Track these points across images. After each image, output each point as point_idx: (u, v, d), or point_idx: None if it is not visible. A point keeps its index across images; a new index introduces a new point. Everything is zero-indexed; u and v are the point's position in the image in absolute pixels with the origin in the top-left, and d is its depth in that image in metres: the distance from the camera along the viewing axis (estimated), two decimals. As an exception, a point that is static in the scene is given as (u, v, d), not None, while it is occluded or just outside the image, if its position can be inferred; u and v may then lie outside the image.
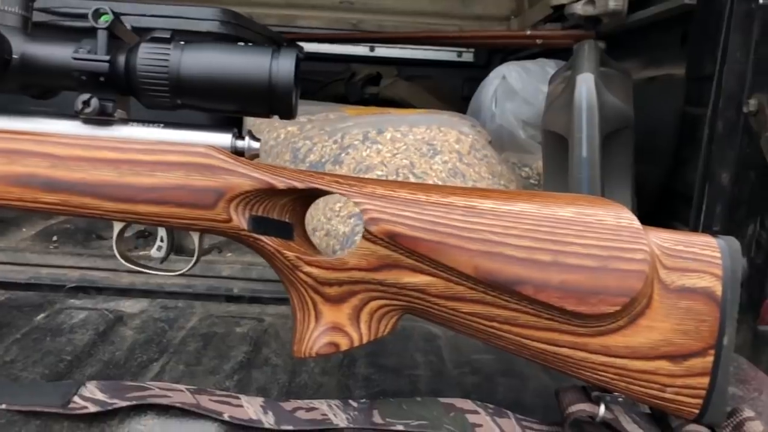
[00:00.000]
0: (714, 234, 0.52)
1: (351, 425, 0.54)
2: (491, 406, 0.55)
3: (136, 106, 0.54)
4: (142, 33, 0.52)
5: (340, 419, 0.54)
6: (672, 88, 0.99)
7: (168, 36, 0.50)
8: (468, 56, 2.21)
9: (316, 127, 1.08)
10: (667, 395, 0.49)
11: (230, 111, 0.52)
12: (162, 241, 0.56)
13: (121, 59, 0.50)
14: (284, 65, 0.49)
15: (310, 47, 1.86)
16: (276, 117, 0.52)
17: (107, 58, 0.49)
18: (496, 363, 0.67)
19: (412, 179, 0.94)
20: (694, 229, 0.81)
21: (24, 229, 1.03)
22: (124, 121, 0.53)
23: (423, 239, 0.49)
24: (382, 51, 2.18)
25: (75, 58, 0.49)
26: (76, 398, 0.54)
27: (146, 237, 0.98)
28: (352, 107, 1.29)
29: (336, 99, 1.73)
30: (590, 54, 0.98)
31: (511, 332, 0.50)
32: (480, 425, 0.53)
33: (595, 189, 0.89)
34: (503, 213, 0.50)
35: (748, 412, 0.51)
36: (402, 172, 0.95)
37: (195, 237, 0.54)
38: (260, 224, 0.52)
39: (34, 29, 0.52)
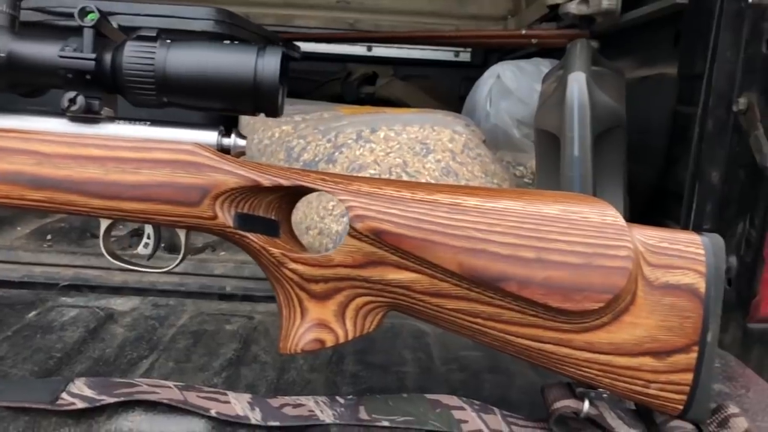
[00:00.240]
0: (699, 231, 0.52)
1: (337, 421, 0.54)
2: (477, 402, 0.55)
3: (123, 105, 0.54)
4: (132, 32, 0.52)
5: (326, 415, 0.55)
6: (664, 87, 0.99)
7: (154, 34, 0.50)
8: (465, 56, 2.21)
9: (310, 126, 1.09)
10: (651, 391, 0.50)
11: (216, 108, 0.53)
12: (149, 238, 0.57)
13: (108, 57, 0.50)
14: (269, 63, 0.50)
15: (307, 47, 1.86)
16: (262, 115, 0.52)
17: (93, 56, 0.49)
18: (484, 360, 0.68)
19: (405, 178, 0.94)
20: (685, 227, 0.81)
21: (19, 228, 1.04)
22: (111, 119, 0.53)
23: (408, 236, 0.50)
24: (380, 51, 2.18)
25: (61, 56, 0.50)
26: (64, 395, 0.54)
27: (140, 235, 0.97)
28: (347, 106, 1.29)
29: (332, 98, 1.74)
30: (582, 53, 0.98)
31: (496, 329, 0.50)
32: (466, 421, 0.54)
33: (587, 188, 0.89)
34: (488, 210, 0.50)
35: (733, 409, 0.52)
36: (395, 170, 0.95)
37: (181, 234, 0.55)
38: (246, 221, 0.52)
39: (21, 28, 0.52)
